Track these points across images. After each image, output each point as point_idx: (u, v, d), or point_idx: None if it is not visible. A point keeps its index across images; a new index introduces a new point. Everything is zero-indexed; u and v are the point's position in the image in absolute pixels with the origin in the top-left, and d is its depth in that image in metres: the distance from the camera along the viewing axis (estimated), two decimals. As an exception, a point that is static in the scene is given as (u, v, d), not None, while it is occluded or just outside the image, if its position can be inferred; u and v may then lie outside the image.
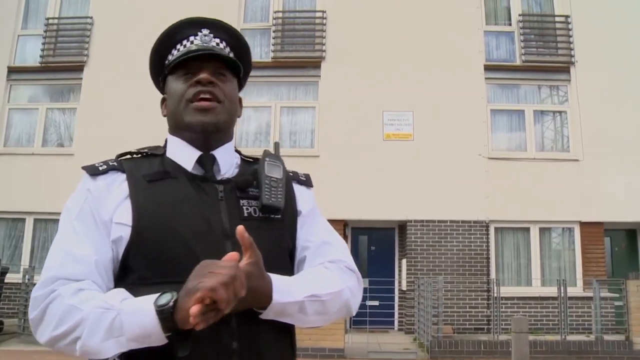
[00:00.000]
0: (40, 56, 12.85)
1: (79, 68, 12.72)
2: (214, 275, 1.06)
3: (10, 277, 10.73)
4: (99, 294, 1.18)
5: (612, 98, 11.90)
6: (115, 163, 1.36)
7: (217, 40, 1.44)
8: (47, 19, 13.06)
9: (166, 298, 1.10)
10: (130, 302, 1.14)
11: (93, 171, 1.33)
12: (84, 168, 1.35)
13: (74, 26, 12.99)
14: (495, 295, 10.14)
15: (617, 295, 10.40)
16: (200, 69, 1.36)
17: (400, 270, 12.24)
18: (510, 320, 10.28)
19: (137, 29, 12.40)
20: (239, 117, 1.49)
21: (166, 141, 1.46)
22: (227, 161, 1.41)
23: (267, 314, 1.23)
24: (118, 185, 1.31)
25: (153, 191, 1.30)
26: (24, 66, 13.07)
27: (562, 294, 9.93)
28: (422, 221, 11.74)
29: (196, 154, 1.38)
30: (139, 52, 12.37)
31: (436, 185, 11.63)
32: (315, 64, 12.46)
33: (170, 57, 1.44)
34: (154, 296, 1.12)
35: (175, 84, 1.40)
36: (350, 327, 9.98)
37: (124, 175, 1.32)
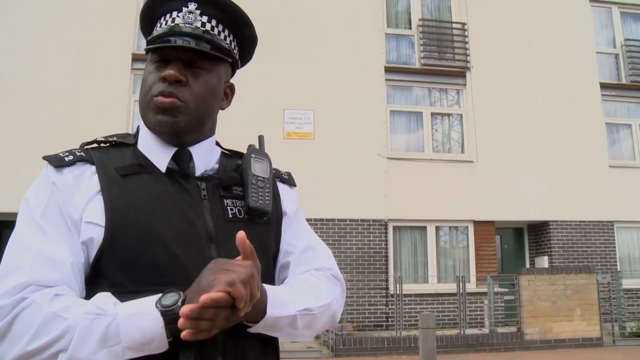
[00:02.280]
0: None
1: None
2: (231, 272, 0.97)
3: None
4: (82, 300, 1.02)
5: (504, 103, 12.56)
6: (82, 153, 1.17)
7: (205, 19, 1.21)
8: None
9: (172, 298, 0.98)
10: (126, 305, 0.99)
11: (58, 162, 1.14)
12: (45, 158, 1.16)
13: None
14: (397, 292, 10.27)
15: (508, 290, 10.92)
16: (174, 60, 1.18)
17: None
18: (409, 317, 10.55)
19: (31, 12, 11.45)
20: (223, 108, 1.32)
21: (138, 129, 1.26)
22: (204, 158, 1.26)
23: (258, 328, 1.12)
24: (88, 178, 1.14)
25: (128, 187, 1.14)
26: None
27: (461, 290, 10.27)
28: (322, 220, 11.71)
29: (170, 151, 1.21)
30: (37, 39, 11.43)
31: (336, 184, 11.64)
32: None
33: (154, 32, 1.22)
34: (154, 297, 0.99)
35: (147, 70, 1.22)
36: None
37: (93, 167, 1.15)
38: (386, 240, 11.91)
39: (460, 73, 12.90)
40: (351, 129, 12.00)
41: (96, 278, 1.08)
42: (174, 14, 1.20)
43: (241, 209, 1.22)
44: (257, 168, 1.28)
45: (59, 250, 1.05)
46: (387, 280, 11.53)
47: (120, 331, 0.95)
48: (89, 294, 1.05)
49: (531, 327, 9.85)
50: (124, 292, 1.02)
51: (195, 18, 1.20)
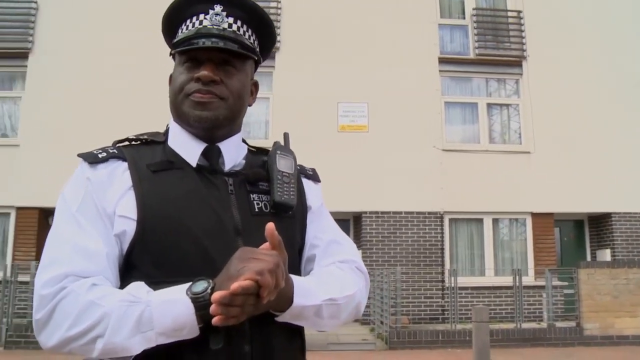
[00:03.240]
0: (-19, 43, 12.18)
1: (23, 55, 12.11)
2: (259, 261, 1.01)
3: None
4: (117, 289, 1.09)
5: (562, 92, 12.22)
6: (115, 150, 1.25)
7: (231, 20, 1.28)
8: (-12, 3, 12.37)
9: (202, 285, 1.03)
10: (158, 292, 1.05)
11: (92, 159, 1.21)
12: (80, 155, 1.24)
13: (16, 11, 12.35)
14: (452, 285, 10.23)
15: (567, 283, 10.68)
16: (206, 60, 1.24)
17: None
18: (466, 310, 10.48)
19: (85, 14, 11.97)
20: (250, 105, 1.38)
21: (167, 127, 1.34)
22: (233, 154, 1.32)
23: (284, 317, 1.17)
24: (120, 174, 1.20)
25: (158, 182, 1.20)
26: (-37, 54, 12.36)
27: (517, 283, 10.13)
28: (377, 212, 11.77)
29: (201, 146, 1.28)
30: (87, 38, 11.97)
31: (391, 177, 11.65)
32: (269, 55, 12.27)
33: (179, 33, 1.30)
34: (185, 285, 1.05)
35: (178, 71, 1.28)
36: (307, 319, 9.88)
37: (125, 164, 1.22)
38: (442, 233, 11.85)
39: (516, 62, 12.63)
40: (406, 121, 11.97)
41: (129, 269, 1.15)
42: (201, 16, 1.26)
43: (267, 203, 1.27)
44: (282, 164, 1.32)
45: (94, 242, 1.12)
46: (442, 273, 11.49)
47: (153, 317, 1.02)
48: (122, 285, 1.11)
49: (591, 322, 9.63)
50: (155, 283, 1.08)
51: (222, 19, 1.26)
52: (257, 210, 1.25)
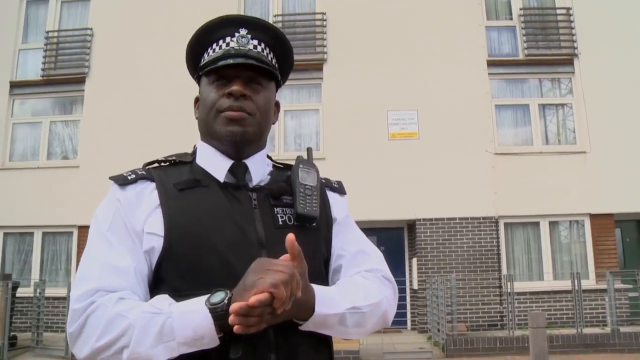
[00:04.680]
0: (42, 69, 12.84)
1: (80, 80, 12.70)
2: (274, 273, 1.05)
3: (21, 292, 10.68)
4: (142, 302, 1.15)
5: (616, 88, 11.86)
6: (143, 172, 1.32)
7: (255, 42, 1.36)
8: (47, 32, 13.04)
9: (220, 296, 1.08)
10: (179, 304, 1.11)
11: (122, 181, 1.29)
12: (111, 178, 1.32)
13: (74, 38, 12.99)
14: (509, 291, 10.06)
15: (631, 286, 10.33)
16: (234, 78, 1.32)
17: (410, 270, 12.20)
18: (524, 316, 10.27)
19: (138, 38, 12.45)
20: (274, 123, 1.45)
21: (195, 148, 1.43)
22: (259, 170, 1.38)
23: (308, 326, 1.21)
24: (148, 194, 1.28)
25: (184, 200, 1.26)
26: (26, 80, 13.04)
27: (577, 287, 9.87)
28: (431, 219, 11.70)
29: (228, 162, 1.34)
30: (141, 61, 12.46)
31: (444, 183, 11.59)
32: (317, 66, 12.42)
33: (206, 56, 1.39)
34: (204, 297, 1.10)
35: (207, 90, 1.35)
36: (364, 328, 9.92)
37: (153, 184, 1.29)
38: (497, 238, 11.68)
39: (567, 61, 12.35)
40: (456, 126, 11.88)
41: (158, 283, 1.21)
42: (227, 39, 1.34)
43: (291, 216, 1.31)
44: (305, 177, 1.36)
45: (123, 260, 1.18)
46: (500, 279, 11.31)
47: (174, 328, 1.07)
48: (152, 297, 1.18)
49: (658, 326, 9.27)
50: (183, 295, 1.13)
51: (248, 42, 1.34)
52: (281, 223, 1.29)
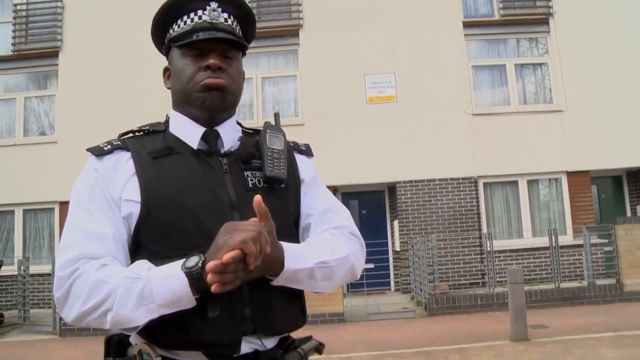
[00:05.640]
0: (12, 44, 12.57)
1: (54, 54, 12.48)
2: (242, 232, 1.11)
3: (5, 270, 10.69)
4: (123, 267, 1.22)
5: (591, 47, 11.94)
6: (119, 142, 1.38)
7: (225, 15, 1.42)
8: (15, 4, 12.71)
9: (194, 260, 1.14)
10: (158, 269, 1.18)
11: (98, 152, 1.36)
12: (88, 150, 1.37)
13: (44, 11, 12.68)
14: (489, 249, 10.27)
15: (607, 240, 10.59)
16: (209, 51, 1.38)
17: (392, 232, 12.36)
18: (504, 273, 10.50)
19: (112, 9, 12.22)
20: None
21: (167, 117, 1.48)
22: (229, 136, 1.44)
23: (279, 281, 1.27)
24: (124, 163, 1.34)
25: (158, 167, 1.33)
26: (-4, 56, 12.79)
27: (554, 243, 10.09)
28: (411, 181, 11.82)
29: (200, 130, 1.40)
30: (116, 33, 12.22)
31: (423, 145, 11.67)
32: (293, 32, 12.33)
33: (175, 28, 1.43)
34: (180, 261, 1.16)
35: (182, 62, 1.40)
36: (348, 291, 10.10)
37: (128, 154, 1.35)
38: (477, 198, 11.85)
39: (543, 20, 12.37)
40: (434, 89, 11.92)
41: (137, 247, 1.28)
42: (199, 12, 1.39)
43: (260, 179, 1.38)
44: (272, 142, 1.43)
45: (103, 227, 1.25)
46: (480, 238, 11.51)
47: (153, 291, 1.14)
48: (133, 262, 1.24)
49: (631, 278, 9.56)
50: (161, 258, 1.21)
51: (219, 15, 1.40)
52: (251, 185, 1.37)
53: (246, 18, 1.49)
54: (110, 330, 1.31)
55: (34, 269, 10.72)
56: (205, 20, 1.38)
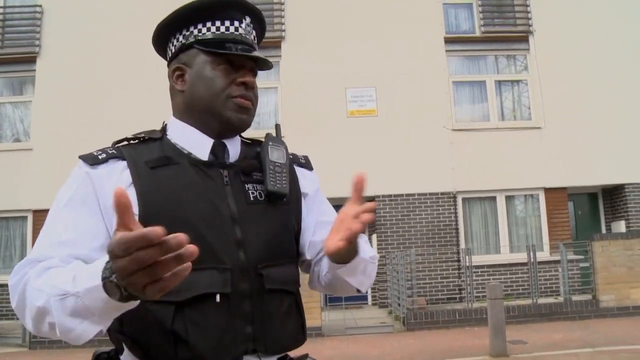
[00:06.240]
0: (-12, 49, 12.35)
1: (31, 59, 12.27)
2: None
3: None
4: (58, 273, 1.06)
5: (570, 65, 12.11)
6: (114, 150, 1.30)
7: (255, 33, 1.41)
8: (-7, 9, 12.53)
9: (104, 267, 0.94)
10: (84, 276, 0.98)
11: (92, 160, 1.26)
12: (81, 157, 1.28)
13: (22, 15, 12.50)
14: (467, 264, 10.30)
15: (583, 257, 10.68)
16: (241, 67, 1.34)
17: (370, 246, 12.30)
18: (482, 288, 10.53)
19: (92, 15, 12.09)
20: None
21: (164, 124, 1.41)
22: (234, 149, 1.39)
23: (345, 270, 1.29)
24: (119, 173, 1.25)
25: (157, 178, 1.25)
26: (-29, 60, 12.53)
27: (532, 259, 10.15)
28: (390, 196, 11.82)
29: (209, 141, 1.35)
30: (95, 41, 12.07)
31: (402, 160, 11.69)
32: (275, 44, 12.31)
33: (203, 30, 1.34)
34: (102, 263, 0.95)
35: (212, 72, 1.32)
36: (326, 304, 10.02)
37: (124, 163, 1.27)
38: (456, 213, 11.89)
39: (522, 38, 12.54)
40: (414, 103, 11.97)
41: None
42: (236, 23, 1.35)
43: (261, 192, 1.33)
44: (274, 155, 1.38)
45: (67, 232, 1.16)
46: (458, 253, 11.53)
47: (88, 306, 0.96)
48: None
49: (607, 294, 9.64)
50: None
51: (250, 31, 1.38)
52: (252, 199, 1.31)
53: (261, 35, 1.47)
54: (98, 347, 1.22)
55: (3, 278, 10.45)
56: (240, 34, 1.35)
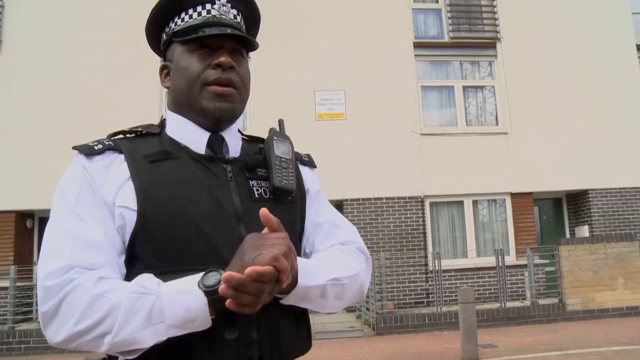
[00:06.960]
0: (-54, 43, 11.85)
1: (-10, 55, 11.85)
2: (273, 247, 0.99)
3: None
4: (126, 282, 1.06)
5: (537, 71, 12.33)
6: (111, 142, 1.22)
7: (235, 12, 1.31)
8: (-49, 2, 12.04)
9: (215, 277, 1.00)
10: (169, 284, 1.03)
11: (88, 151, 1.18)
12: (75, 148, 1.20)
13: (-19, 10, 12.04)
14: (436, 268, 10.33)
15: (548, 261, 10.84)
16: (219, 48, 1.26)
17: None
18: (450, 292, 10.59)
19: (53, 11, 11.73)
20: None
21: (162, 119, 1.33)
22: (234, 142, 1.32)
23: (289, 299, 1.16)
24: (117, 166, 1.18)
25: (157, 172, 1.18)
26: None
27: (500, 263, 10.25)
28: (358, 199, 11.79)
29: (205, 135, 1.28)
30: (56, 36, 11.72)
31: (371, 163, 11.67)
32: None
33: (178, 22, 1.28)
34: (197, 277, 1.03)
35: (188, 60, 1.26)
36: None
37: (122, 156, 1.19)
38: (423, 217, 11.92)
39: (490, 44, 12.69)
40: (383, 107, 11.98)
41: (131, 261, 1.12)
42: (207, 6, 1.27)
43: (266, 189, 1.27)
44: (280, 149, 1.32)
45: (97, 234, 1.09)
46: (426, 257, 11.57)
47: (164, 309, 0.99)
48: (126, 276, 1.10)
49: (573, 297, 9.80)
50: (160, 273, 1.06)
51: (229, 11, 1.29)
52: (257, 196, 1.25)
53: (252, 18, 1.39)
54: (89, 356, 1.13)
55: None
56: (214, 16, 1.27)
